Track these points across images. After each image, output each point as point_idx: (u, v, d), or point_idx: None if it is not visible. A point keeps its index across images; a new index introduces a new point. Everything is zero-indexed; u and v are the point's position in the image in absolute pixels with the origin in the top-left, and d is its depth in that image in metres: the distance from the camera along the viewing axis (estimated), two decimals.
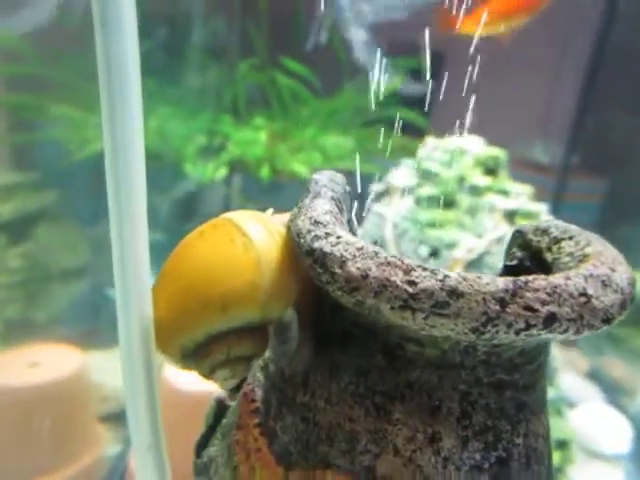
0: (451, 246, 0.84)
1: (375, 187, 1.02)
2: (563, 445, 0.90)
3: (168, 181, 1.50)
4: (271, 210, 0.32)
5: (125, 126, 0.24)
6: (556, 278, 0.23)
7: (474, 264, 0.83)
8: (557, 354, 0.94)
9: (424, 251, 0.85)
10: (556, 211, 1.25)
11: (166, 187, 1.48)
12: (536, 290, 0.22)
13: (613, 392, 1.27)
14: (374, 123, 1.52)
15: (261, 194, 1.47)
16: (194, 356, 0.27)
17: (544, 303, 0.22)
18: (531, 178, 1.08)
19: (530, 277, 0.22)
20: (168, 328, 0.26)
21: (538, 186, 1.03)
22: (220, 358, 0.27)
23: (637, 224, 1.49)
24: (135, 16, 0.24)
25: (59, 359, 0.89)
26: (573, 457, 0.92)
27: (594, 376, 1.32)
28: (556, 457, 0.90)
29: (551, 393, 0.89)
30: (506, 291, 0.22)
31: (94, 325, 1.16)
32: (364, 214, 1.00)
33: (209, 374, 0.28)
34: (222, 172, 1.46)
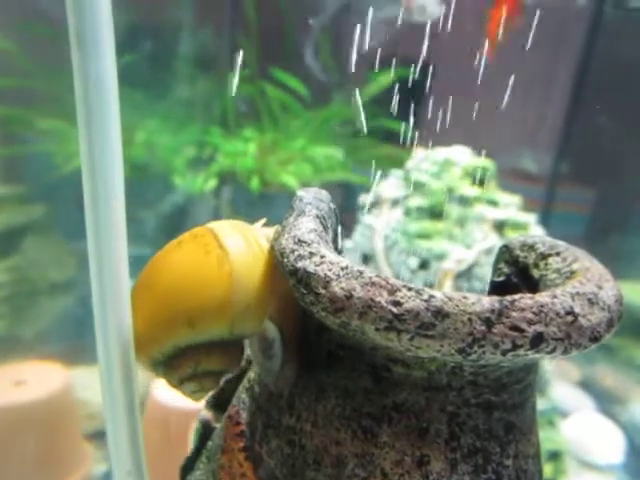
0: (440, 257, 0.84)
1: (364, 198, 1.02)
2: (556, 456, 0.90)
3: (157, 194, 1.49)
4: (263, 221, 0.31)
5: (104, 144, 0.24)
6: (542, 297, 0.22)
7: (464, 275, 0.83)
8: (549, 364, 0.94)
9: (414, 262, 0.85)
10: (545, 221, 1.25)
11: (154, 200, 1.47)
12: (522, 309, 0.22)
13: (605, 401, 1.27)
14: (364, 134, 1.52)
15: (251, 206, 1.46)
16: (163, 367, 0.27)
17: (531, 323, 0.21)
18: (520, 188, 1.08)
19: (516, 296, 0.22)
20: (137, 338, 0.26)
21: (527, 196, 1.03)
22: (188, 372, 0.26)
23: (626, 233, 1.50)
24: (113, 34, 0.23)
25: (45, 377, 0.87)
26: (566, 468, 0.92)
27: (586, 385, 1.32)
28: (549, 468, 0.90)
29: (543, 404, 0.89)
30: (492, 311, 0.21)
31: (80, 341, 1.14)
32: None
33: (178, 385, 0.27)
34: (211, 184, 1.45)
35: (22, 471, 0.84)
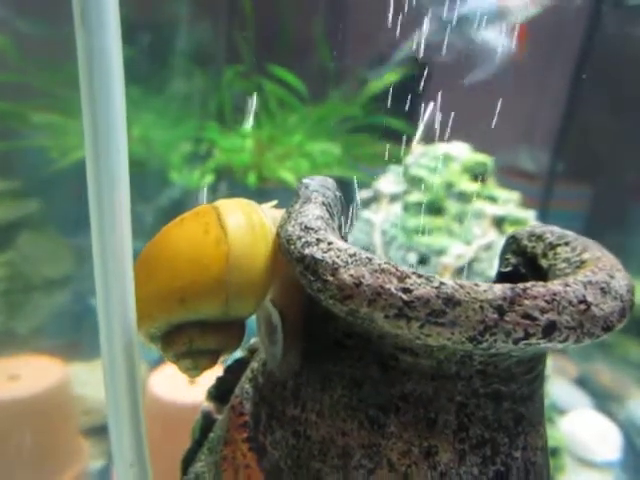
0: (440, 253, 0.84)
1: (363, 194, 1.02)
2: (554, 453, 0.90)
3: (153, 189, 1.49)
4: (273, 202, 0.31)
5: (108, 129, 0.23)
6: (555, 285, 0.22)
7: (463, 271, 0.83)
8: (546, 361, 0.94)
9: (413, 258, 0.84)
10: (543, 218, 1.25)
11: (151, 195, 1.46)
12: (535, 297, 0.21)
13: (602, 399, 1.27)
14: (361, 130, 1.52)
15: None
16: (160, 342, 0.26)
17: (543, 311, 0.21)
18: (518, 186, 1.08)
19: (528, 284, 0.22)
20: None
21: (525, 194, 1.03)
22: (182, 349, 0.26)
23: (624, 230, 1.50)
24: (118, 11, 0.23)
25: (40, 371, 0.87)
26: (564, 465, 0.92)
27: (583, 383, 1.32)
28: None
29: None
30: (504, 299, 0.21)
31: (77, 336, 1.13)
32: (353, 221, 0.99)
33: (175, 361, 0.27)
34: (208, 179, 1.44)
35: (17, 466, 0.84)
